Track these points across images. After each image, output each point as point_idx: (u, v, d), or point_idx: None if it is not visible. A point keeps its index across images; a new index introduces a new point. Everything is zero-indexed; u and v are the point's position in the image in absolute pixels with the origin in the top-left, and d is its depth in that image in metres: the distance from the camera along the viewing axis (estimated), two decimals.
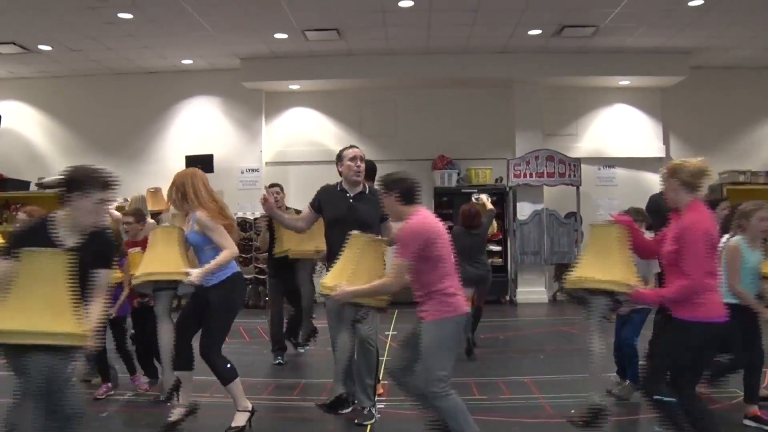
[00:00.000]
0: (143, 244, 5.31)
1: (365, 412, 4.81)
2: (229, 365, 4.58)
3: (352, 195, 4.99)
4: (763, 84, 12.32)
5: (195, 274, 4.36)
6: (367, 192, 5.04)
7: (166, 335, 4.75)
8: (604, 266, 3.76)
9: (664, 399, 3.62)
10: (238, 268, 4.72)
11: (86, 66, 11.85)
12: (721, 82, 12.29)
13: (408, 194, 4.03)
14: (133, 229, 5.96)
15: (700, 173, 3.69)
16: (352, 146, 5.18)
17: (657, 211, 5.36)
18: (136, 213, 6.25)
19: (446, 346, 3.86)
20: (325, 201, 5.03)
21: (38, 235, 3.27)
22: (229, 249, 4.48)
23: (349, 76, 11.93)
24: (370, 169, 5.04)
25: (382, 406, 5.17)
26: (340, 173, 5.11)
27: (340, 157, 5.11)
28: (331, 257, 4.81)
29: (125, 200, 10.66)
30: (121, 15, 9.26)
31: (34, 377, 2.98)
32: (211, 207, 4.58)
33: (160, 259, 4.59)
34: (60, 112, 12.63)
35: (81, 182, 3.27)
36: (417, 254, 3.79)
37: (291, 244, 6.67)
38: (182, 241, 4.67)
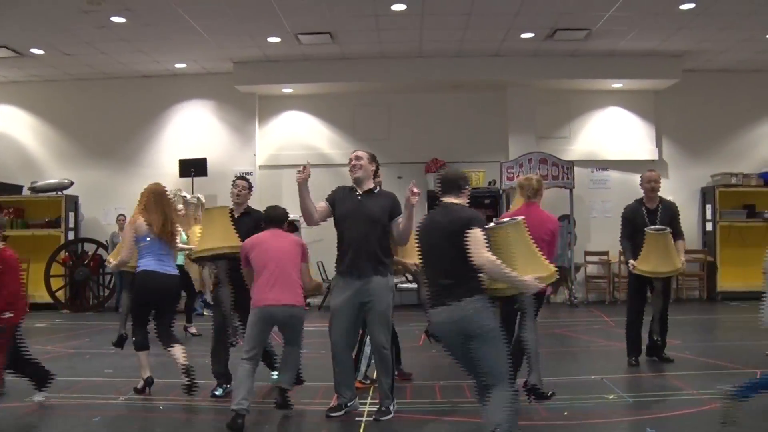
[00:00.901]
0: None
1: (383, 408, 4.96)
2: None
3: (360, 193, 5.08)
4: (754, 87, 12.40)
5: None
6: (376, 191, 5.14)
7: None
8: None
9: None
10: (145, 266, 5.49)
11: (79, 70, 11.85)
12: (714, 85, 12.37)
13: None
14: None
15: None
16: (357, 150, 5.36)
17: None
18: None
19: None
20: (338, 198, 5.14)
21: None
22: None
23: (342, 79, 11.95)
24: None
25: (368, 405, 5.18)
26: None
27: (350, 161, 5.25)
28: (340, 251, 5.03)
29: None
30: (115, 19, 9.26)
31: None
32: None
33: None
34: (53, 116, 12.62)
35: None
36: None
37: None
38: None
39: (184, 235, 8.14)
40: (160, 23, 9.57)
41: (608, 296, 12.02)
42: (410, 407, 5.25)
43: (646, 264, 6.41)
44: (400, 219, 4.95)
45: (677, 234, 6.53)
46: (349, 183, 5.20)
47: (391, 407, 4.97)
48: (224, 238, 5.43)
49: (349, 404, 5.05)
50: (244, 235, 5.28)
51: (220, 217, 5.58)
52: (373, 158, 5.20)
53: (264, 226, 5.22)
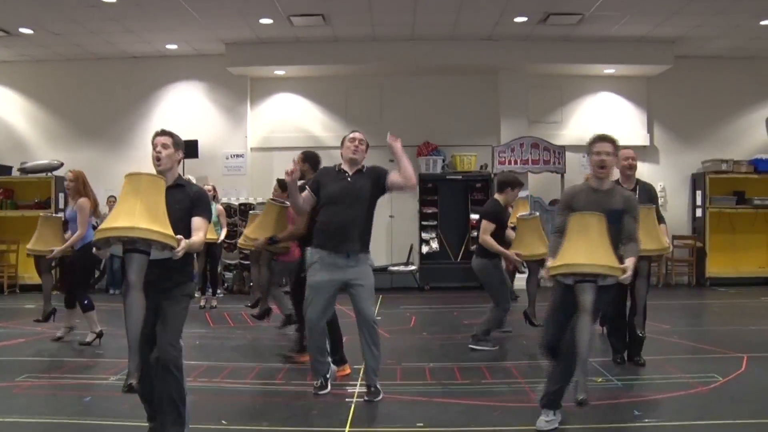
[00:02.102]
0: None
1: (372, 389, 5.02)
2: (87, 301, 6.91)
3: (350, 173, 5.09)
4: (746, 73, 12.42)
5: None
6: (364, 170, 5.14)
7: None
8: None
9: None
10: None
11: (69, 50, 11.74)
12: (705, 72, 12.39)
13: None
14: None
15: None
16: (355, 131, 5.33)
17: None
18: None
19: None
20: (323, 181, 5.11)
21: None
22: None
23: (334, 62, 11.90)
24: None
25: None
26: (342, 155, 5.20)
27: (342, 142, 5.22)
28: (326, 229, 4.99)
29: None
30: None
31: None
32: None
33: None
34: (42, 97, 12.51)
35: None
36: None
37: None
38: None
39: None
40: (151, 3, 9.47)
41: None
42: (400, 389, 5.28)
43: None
44: (394, 172, 5.05)
45: (658, 218, 6.03)
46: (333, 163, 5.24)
47: (378, 386, 5.05)
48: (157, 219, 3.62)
49: (328, 375, 5.22)
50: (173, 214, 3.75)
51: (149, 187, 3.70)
52: (368, 144, 5.28)
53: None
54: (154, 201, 3.64)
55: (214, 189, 10.22)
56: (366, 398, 4.98)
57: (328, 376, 5.23)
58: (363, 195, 5.01)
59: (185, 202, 3.90)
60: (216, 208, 9.69)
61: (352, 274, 4.97)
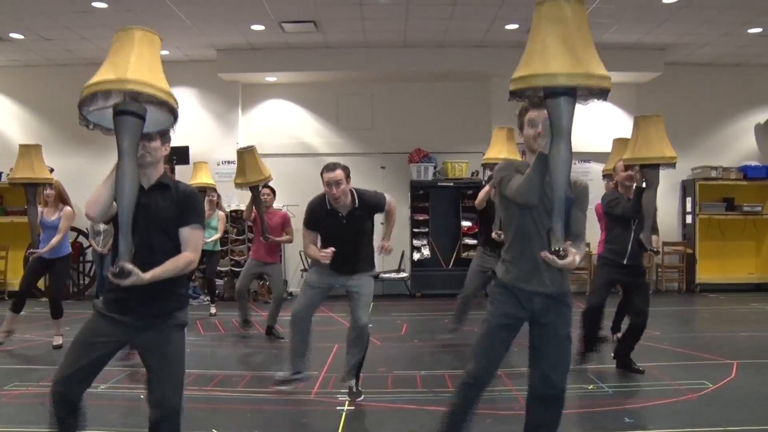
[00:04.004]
0: None
1: (354, 390, 5.18)
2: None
3: (344, 215, 5.12)
4: (735, 81, 12.51)
5: None
6: (357, 205, 5.13)
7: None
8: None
9: None
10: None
11: (60, 55, 11.70)
12: (695, 79, 12.46)
13: None
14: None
15: None
16: (330, 168, 4.99)
17: None
18: None
19: None
20: (318, 221, 5.20)
21: None
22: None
23: (326, 68, 11.89)
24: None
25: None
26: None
27: (321, 175, 5.08)
28: (332, 264, 5.08)
29: None
30: (96, 4, 9.15)
31: None
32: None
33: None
34: (33, 102, 12.46)
35: None
36: None
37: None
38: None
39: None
40: (143, 9, 9.45)
41: (589, 287, 12.09)
42: (391, 397, 5.27)
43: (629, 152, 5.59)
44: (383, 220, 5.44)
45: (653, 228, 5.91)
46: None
47: (359, 388, 5.22)
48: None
49: (301, 375, 5.38)
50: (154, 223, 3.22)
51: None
52: (347, 172, 5.06)
53: None
54: (149, 55, 3.17)
55: (218, 196, 10.19)
56: (348, 399, 5.12)
57: (296, 377, 5.37)
58: (361, 231, 5.20)
59: (170, 209, 3.18)
60: (218, 215, 9.73)
61: (352, 282, 5.19)
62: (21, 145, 7.25)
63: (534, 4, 3.07)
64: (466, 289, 7.04)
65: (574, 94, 2.92)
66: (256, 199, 7.44)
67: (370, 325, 5.28)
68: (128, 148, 3.00)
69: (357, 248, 5.20)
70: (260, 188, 7.52)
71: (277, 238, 7.69)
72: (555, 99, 2.90)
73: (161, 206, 3.16)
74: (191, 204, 3.22)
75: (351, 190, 5.12)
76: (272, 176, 7.52)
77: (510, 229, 3.46)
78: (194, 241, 3.17)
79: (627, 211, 5.62)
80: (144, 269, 2.92)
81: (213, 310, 9.74)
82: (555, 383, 3.37)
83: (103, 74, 3.01)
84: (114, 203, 3.05)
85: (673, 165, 5.44)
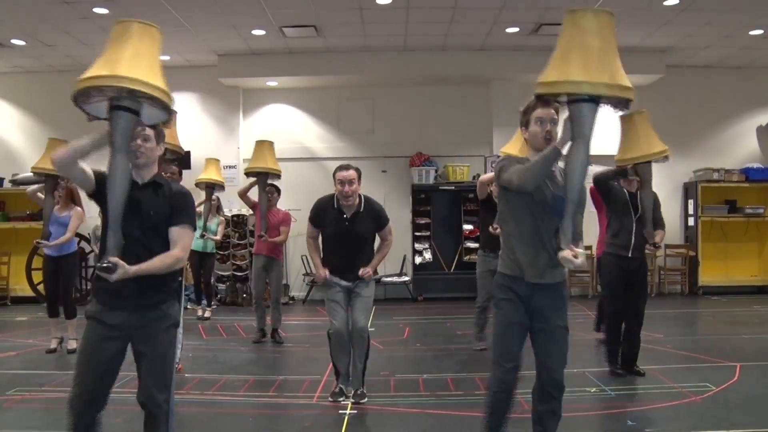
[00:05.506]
0: None
1: (359, 392, 5.22)
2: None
3: (348, 216, 5.19)
4: (737, 83, 12.49)
5: None
6: (362, 209, 5.22)
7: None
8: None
9: None
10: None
11: (61, 61, 11.71)
12: (696, 81, 12.45)
13: None
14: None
15: None
16: (344, 167, 5.17)
17: None
18: None
19: None
20: (322, 219, 5.27)
21: None
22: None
23: (326, 73, 11.90)
24: None
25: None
26: (335, 189, 5.23)
27: (333, 175, 5.21)
28: (330, 256, 5.28)
29: None
30: (97, 10, 9.16)
31: None
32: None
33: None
34: (34, 108, 12.47)
35: None
36: None
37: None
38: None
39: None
40: (143, 15, 9.32)
41: (591, 290, 12.09)
42: (394, 401, 5.27)
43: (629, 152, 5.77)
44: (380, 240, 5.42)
45: (657, 222, 6.12)
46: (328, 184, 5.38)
47: (364, 390, 5.24)
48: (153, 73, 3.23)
49: (342, 387, 5.37)
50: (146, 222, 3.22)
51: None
52: (359, 173, 5.21)
53: None
54: (146, 50, 3.12)
55: (218, 200, 10.20)
56: (352, 401, 5.18)
57: (342, 387, 5.35)
58: (363, 236, 5.25)
59: (163, 206, 3.18)
60: (218, 219, 9.78)
61: (355, 286, 5.25)
62: (51, 139, 7.53)
63: (564, 12, 3.17)
64: (480, 298, 7.01)
65: (597, 101, 3.02)
66: (261, 190, 7.60)
67: (371, 329, 5.29)
68: (121, 143, 3.01)
69: (357, 252, 5.22)
70: (267, 184, 7.74)
71: (272, 239, 7.79)
72: (578, 105, 3.00)
73: (154, 203, 3.18)
74: (183, 204, 3.26)
75: (359, 195, 5.23)
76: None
77: (509, 223, 3.52)
78: (183, 240, 3.19)
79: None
80: (132, 264, 2.95)
81: (207, 314, 9.71)
82: (551, 371, 3.47)
83: (97, 69, 3.00)
84: (87, 172, 3.12)
85: (665, 158, 5.51)
